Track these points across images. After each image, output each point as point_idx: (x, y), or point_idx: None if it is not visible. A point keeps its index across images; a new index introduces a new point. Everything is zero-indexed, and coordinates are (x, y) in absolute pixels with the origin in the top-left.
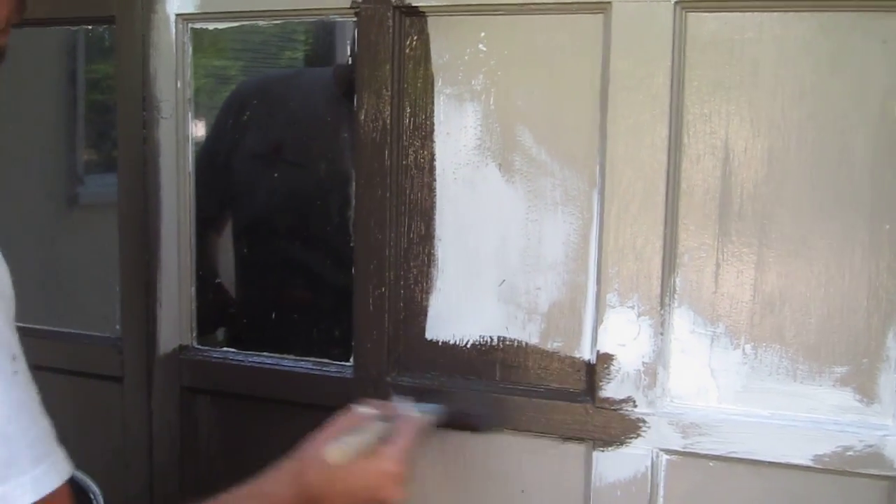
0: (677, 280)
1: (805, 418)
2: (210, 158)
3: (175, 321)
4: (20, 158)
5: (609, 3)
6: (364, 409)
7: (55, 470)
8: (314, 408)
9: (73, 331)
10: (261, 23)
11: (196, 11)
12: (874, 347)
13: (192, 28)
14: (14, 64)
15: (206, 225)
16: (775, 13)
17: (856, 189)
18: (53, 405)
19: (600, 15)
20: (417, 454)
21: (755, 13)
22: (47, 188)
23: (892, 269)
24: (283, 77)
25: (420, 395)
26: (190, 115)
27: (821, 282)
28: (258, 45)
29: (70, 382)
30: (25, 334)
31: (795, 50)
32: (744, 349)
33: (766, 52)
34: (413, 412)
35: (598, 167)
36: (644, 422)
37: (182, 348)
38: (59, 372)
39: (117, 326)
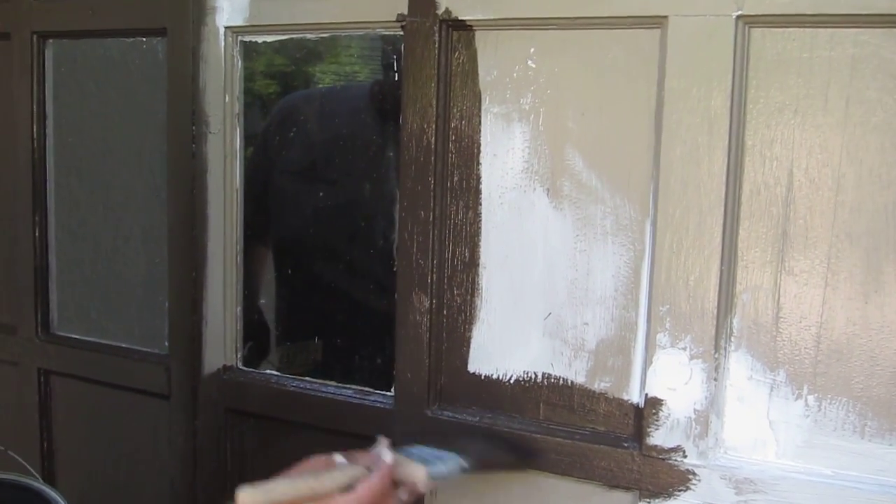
0: (734, 321)
1: (872, 480)
2: (254, 175)
3: (220, 341)
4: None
5: (665, 17)
6: (338, 458)
7: None
8: (354, 436)
9: (124, 345)
10: (309, 36)
11: (245, 24)
12: None
13: (241, 41)
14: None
15: (252, 243)
16: (849, 29)
17: None
18: (102, 418)
19: (657, 30)
20: None
21: (827, 29)
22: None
23: None
24: (329, 92)
25: (444, 438)
26: (238, 130)
27: (893, 329)
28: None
29: (121, 397)
30: (82, 347)
31: (870, 70)
32: (806, 400)
33: (839, 72)
34: (409, 465)
35: (651, 195)
36: (694, 474)
37: (226, 369)
38: (110, 386)
39: (166, 343)
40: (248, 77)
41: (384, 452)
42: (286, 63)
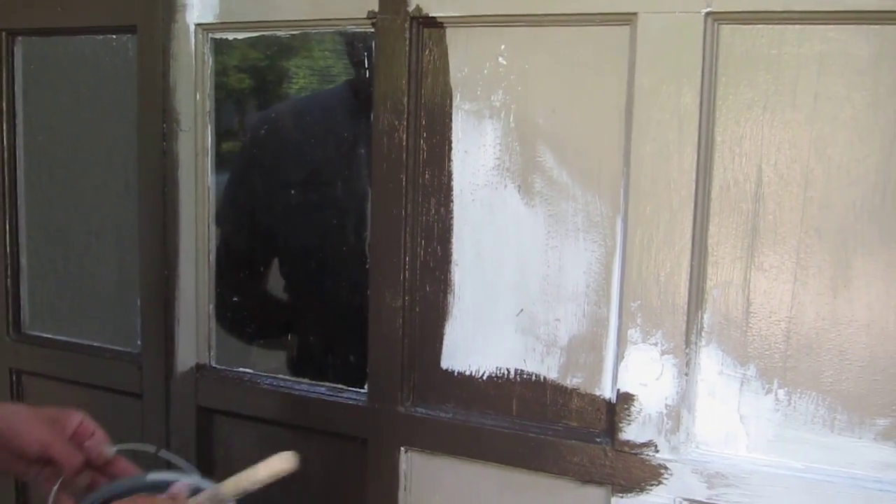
0: (705, 316)
1: (842, 474)
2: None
3: (192, 339)
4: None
5: (635, 14)
6: None
7: None
8: (328, 434)
9: (96, 344)
10: (279, 33)
11: (216, 21)
12: None
13: (212, 38)
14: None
15: (225, 240)
16: (817, 26)
17: None
18: None
19: (626, 27)
20: None
21: (795, 25)
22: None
23: None
24: (306, 99)
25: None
26: (209, 127)
27: (863, 323)
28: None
29: (93, 396)
30: (53, 346)
31: (838, 66)
32: (777, 394)
33: (807, 69)
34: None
35: (622, 191)
36: (666, 468)
37: (199, 367)
38: (82, 385)
39: (138, 342)
40: (221, 72)
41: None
42: (260, 58)
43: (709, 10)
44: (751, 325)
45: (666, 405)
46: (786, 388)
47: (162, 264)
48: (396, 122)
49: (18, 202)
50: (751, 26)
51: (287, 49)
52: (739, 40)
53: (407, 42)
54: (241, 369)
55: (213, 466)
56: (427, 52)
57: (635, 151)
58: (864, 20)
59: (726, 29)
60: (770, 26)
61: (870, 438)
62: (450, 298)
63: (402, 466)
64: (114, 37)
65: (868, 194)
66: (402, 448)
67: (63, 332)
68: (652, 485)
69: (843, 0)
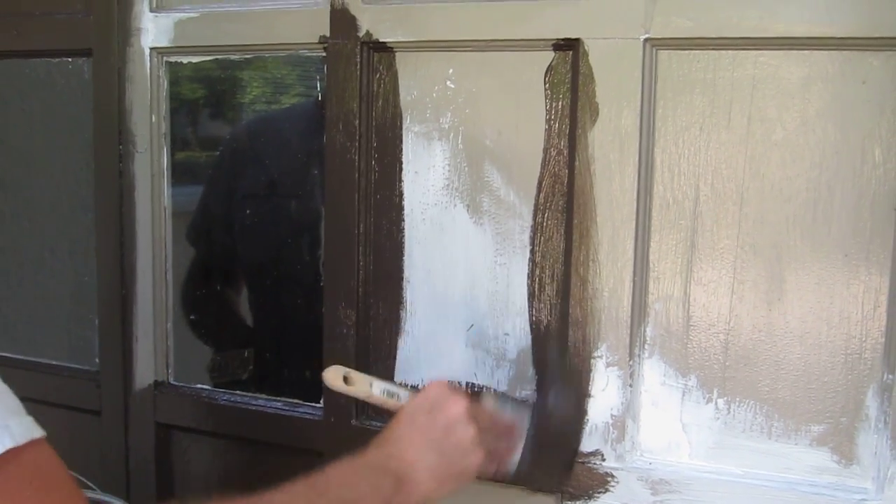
0: (648, 329)
1: (780, 479)
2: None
3: (150, 356)
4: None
5: (578, 40)
6: None
7: (29, 425)
8: (284, 449)
9: (54, 361)
10: (232, 57)
11: (170, 45)
12: (853, 406)
13: (167, 61)
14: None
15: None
16: (750, 51)
17: (833, 237)
18: None
19: (569, 52)
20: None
21: (730, 51)
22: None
23: (870, 322)
24: (268, 117)
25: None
26: (165, 149)
27: (797, 335)
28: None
29: (51, 414)
30: (9, 365)
31: (770, 90)
32: (716, 403)
33: (741, 92)
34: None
35: (566, 210)
36: (612, 476)
37: (157, 384)
38: (39, 403)
39: (96, 359)
40: (175, 82)
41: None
42: (214, 67)
43: (647, 36)
44: (691, 337)
45: (611, 415)
46: (725, 398)
47: (120, 283)
48: (349, 144)
49: None
50: (687, 52)
51: (243, 61)
52: (676, 65)
53: (358, 66)
54: (199, 386)
55: (173, 482)
56: (378, 75)
57: (579, 171)
58: (793, 46)
59: (664, 54)
60: (705, 52)
61: (805, 444)
62: (402, 314)
63: None
64: (69, 60)
65: (800, 211)
66: None
67: (19, 349)
68: (599, 492)
69: (773, 27)
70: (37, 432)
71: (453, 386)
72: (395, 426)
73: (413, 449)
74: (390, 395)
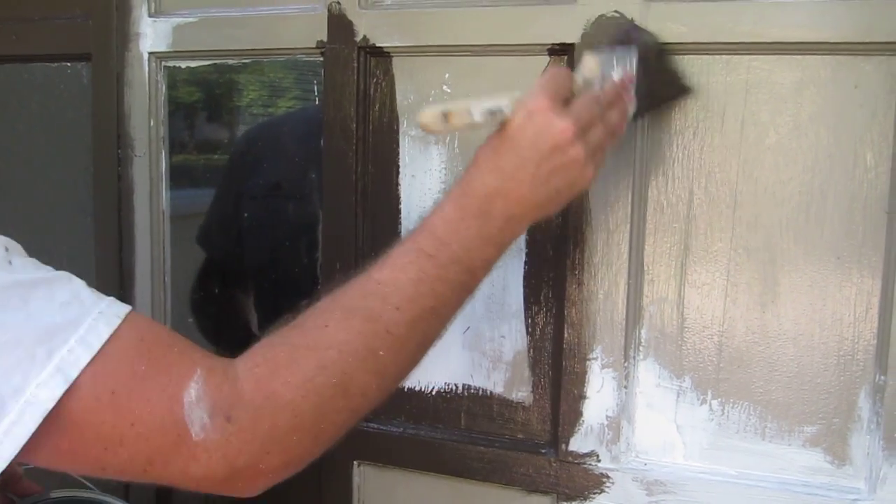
0: (642, 332)
1: (773, 479)
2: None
3: None
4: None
5: (573, 45)
6: None
7: (102, 320)
8: None
9: None
10: (230, 61)
11: (169, 50)
12: (845, 407)
13: (165, 66)
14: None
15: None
16: (743, 56)
17: (826, 240)
18: None
19: (564, 56)
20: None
21: (723, 56)
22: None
23: (862, 324)
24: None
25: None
26: (164, 153)
27: (790, 337)
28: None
29: None
30: None
31: (763, 94)
32: (711, 405)
33: (734, 96)
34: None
35: (562, 213)
36: (608, 477)
37: None
38: None
39: None
40: (172, 85)
41: None
42: (211, 71)
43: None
44: (685, 339)
45: (607, 416)
46: (719, 399)
47: (119, 286)
48: (346, 148)
49: None
50: (681, 57)
51: (240, 65)
52: None
53: (355, 71)
54: None
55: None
56: (374, 80)
57: None
58: (786, 51)
59: None
60: (699, 56)
61: (798, 445)
62: None
63: (356, 480)
64: (68, 64)
65: (793, 214)
66: (355, 462)
67: None
68: (595, 493)
69: (767, 32)
70: (112, 318)
71: (556, 85)
72: (500, 154)
73: (520, 186)
74: (492, 113)
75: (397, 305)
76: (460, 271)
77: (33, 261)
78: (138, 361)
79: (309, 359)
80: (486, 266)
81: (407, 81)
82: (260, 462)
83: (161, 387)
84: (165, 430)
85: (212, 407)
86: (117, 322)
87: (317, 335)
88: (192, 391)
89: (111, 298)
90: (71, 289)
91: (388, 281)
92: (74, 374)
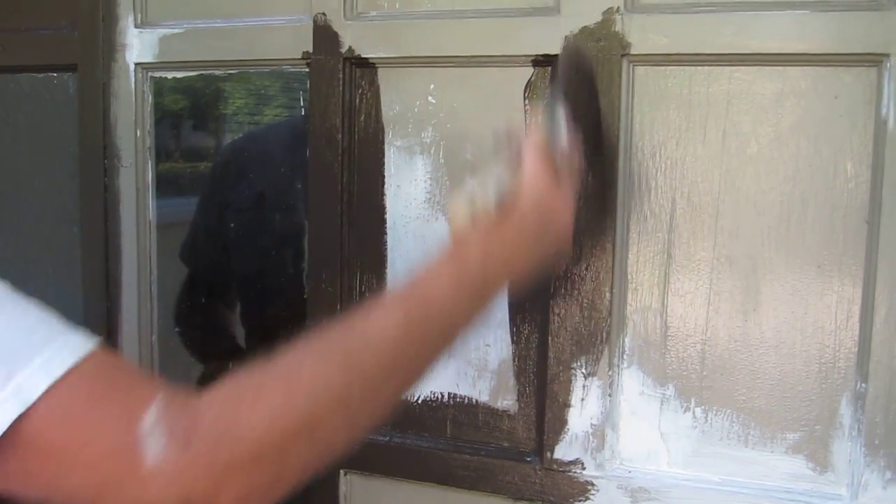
0: (626, 340)
1: (756, 486)
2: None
3: None
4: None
5: (556, 56)
6: None
7: (66, 348)
8: None
9: None
10: (217, 72)
11: (155, 61)
12: (827, 414)
13: (151, 77)
14: None
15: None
16: (725, 67)
17: (807, 249)
18: None
19: (548, 68)
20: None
21: (705, 67)
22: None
23: (843, 332)
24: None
25: None
26: (150, 163)
27: (772, 344)
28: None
29: None
30: None
31: (745, 105)
32: (694, 412)
33: (716, 107)
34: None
35: None
36: (593, 485)
37: None
38: None
39: None
40: (158, 93)
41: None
42: (197, 79)
43: (625, 52)
44: (669, 347)
45: (591, 424)
46: (703, 407)
47: (105, 296)
48: (331, 158)
49: None
50: (663, 68)
51: (224, 82)
52: (653, 81)
53: (341, 82)
54: None
55: None
56: (360, 91)
57: None
58: (767, 62)
59: (641, 70)
60: (681, 67)
61: (781, 452)
62: None
63: (342, 489)
64: (55, 75)
65: (774, 224)
66: (342, 470)
67: None
68: (580, 500)
69: (748, 44)
70: (76, 350)
71: (547, 156)
72: (504, 225)
73: (518, 254)
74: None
75: (376, 354)
76: (445, 328)
77: (3, 286)
78: (98, 385)
79: (276, 395)
80: (472, 324)
81: (392, 92)
82: (218, 493)
83: (118, 410)
84: (119, 454)
85: (169, 433)
86: (82, 353)
87: (289, 373)
88: (150, 417)
89: (82, 330)
90: (38, 316)
91: (372, 331)
92: (33, 397)
